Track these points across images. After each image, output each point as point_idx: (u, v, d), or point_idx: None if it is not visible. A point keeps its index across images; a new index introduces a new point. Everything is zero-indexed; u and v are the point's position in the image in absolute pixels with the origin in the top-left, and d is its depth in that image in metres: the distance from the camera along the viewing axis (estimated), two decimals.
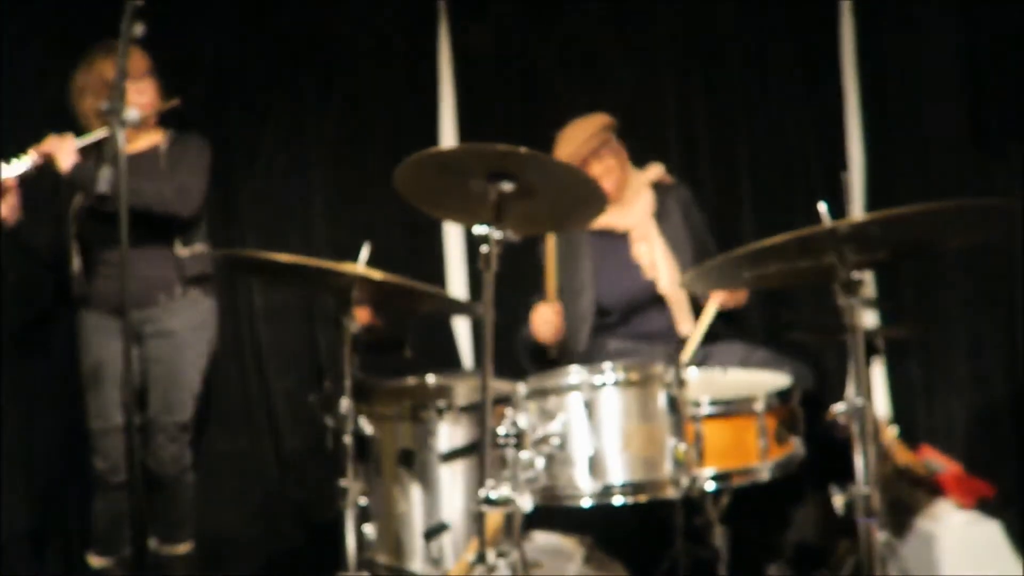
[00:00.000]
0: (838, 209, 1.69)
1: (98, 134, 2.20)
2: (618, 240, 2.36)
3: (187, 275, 2.28)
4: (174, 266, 2.27)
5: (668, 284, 2.29)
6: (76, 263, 2.28)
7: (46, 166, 2.15)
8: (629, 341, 2.32)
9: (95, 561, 2.32)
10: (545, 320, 2.24)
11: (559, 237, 2.33)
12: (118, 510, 2.27)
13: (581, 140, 2.31)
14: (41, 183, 2.31)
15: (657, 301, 2.31)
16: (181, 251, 2.28)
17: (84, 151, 2.18)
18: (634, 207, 2.36)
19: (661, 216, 2.36)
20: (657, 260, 2.31)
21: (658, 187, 2.41)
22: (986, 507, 2.37)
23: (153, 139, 2.34)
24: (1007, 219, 1.61)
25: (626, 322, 2.34)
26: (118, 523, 2.28)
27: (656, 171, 2.43)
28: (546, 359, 2.27)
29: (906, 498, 2.28)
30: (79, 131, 2.23)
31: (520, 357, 2.41)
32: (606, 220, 2.31)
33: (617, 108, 2.90)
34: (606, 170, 2.32)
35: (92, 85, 2.24)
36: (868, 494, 1.55)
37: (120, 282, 1.68)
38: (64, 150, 2.12)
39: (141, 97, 2.23)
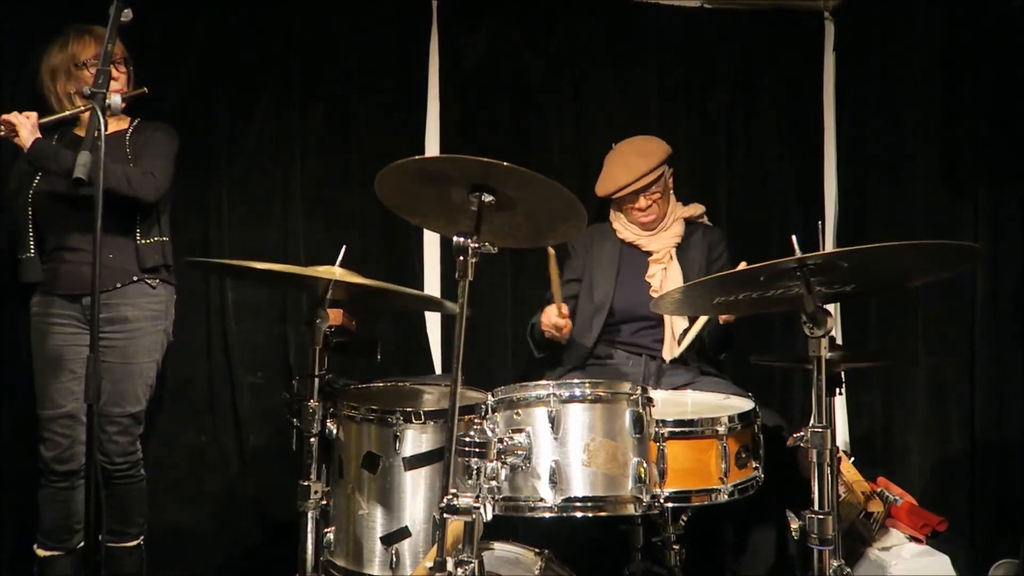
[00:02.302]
0: (813, 243, 1.74)
1: (63, 114, 2.18)
2: (640, 256, 2.50)
3: (145, 266, 2.26)
4: (133, 255, 2.25)
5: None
6: (31, 247, 2.23)
7: (4, 140, 2.12)
8: (615, 348, 2.44)
9: (41, 552, 2.27)
10: (551, 320, 2.29)
11: (595, 235, 2.50)
12: (63, 500, 2.23)
13: (640, 172, 2.38)
14: None
15: (654, 320, 2.41)
16: (140, 241, 2.25)
17: (46, 130, 2.15)
18: (662, 235, 2.49)
19: (683, 248, 2.49)
20: (667, 284, 2.42)
21: (690, 222, 2.53)
22: (937, 540, 2.42)
23: (120, 125, 2.33)
24: (969, 260, 1.66)
25: (619, 329, 2.45)
26: (64, 514, 2.24)
27: (694, 210, 2.55)
28: (553, 348, 2.38)
29: (860, 527, 2.32)
30: (44, 109, 2.20)
31: (530, 343, 2.50)
32: (635, 237, 2.49)
33: (602, 126, 2.97)
34: (652, 203, 2.44)
35: (64, 66, 2.22)
36: (823, 521, 1.58)
37: (92, 266, 1.64)
38: (26, 125, 2.09)
39: (114, 83, 2.21)
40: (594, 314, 2.44)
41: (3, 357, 2.57)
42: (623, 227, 2.51)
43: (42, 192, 2.22)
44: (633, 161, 2.41)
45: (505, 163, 1.46)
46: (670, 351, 2.39)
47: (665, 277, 2.44)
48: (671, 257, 2.46)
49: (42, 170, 2.17)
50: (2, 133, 2.10)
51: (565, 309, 2.29)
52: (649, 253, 2.47)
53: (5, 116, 2.10)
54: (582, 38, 2.99)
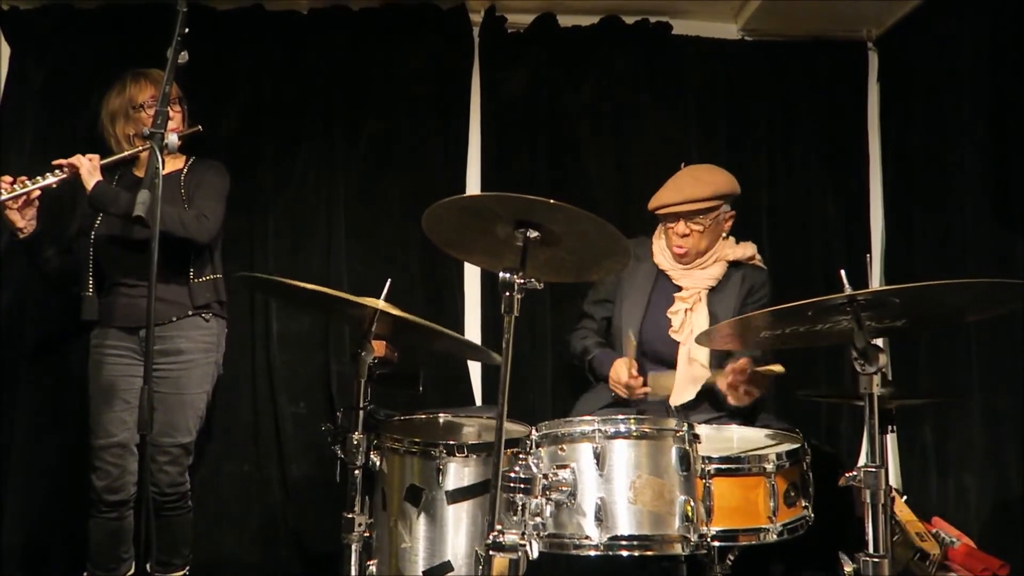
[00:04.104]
0: (858, 275, 1.72)
1: (123, 154, 2.28)
2: (669, 288, 2.38)
3: (197, 303, 2.31)
4: (187, 294, 2.31)
5: (687, 351, 2.28)
6: (90, 286, 2.30)
7: (68, 183, 2.20)
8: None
9: None
10: (619, 376, 2.23)
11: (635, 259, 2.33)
12: (113, 529, 2.27)
13: (687, 196, 2.27)
14: (55, 205, 2.38)
15: (670, 361, 2.31)
16: (194, 280, 2.31)
17: (106, 171, 2.23)
18: (697, 274, 2.36)
19: (717, 289, 2.35)
20: (688, 326, 2.30)
21: (737, 264, 2.39)
22: None
23: (176, 164, 2.40)
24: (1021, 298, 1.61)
25: (640, 365, 2.32)
26: (113, 542, 2.27)
27: (744, 250, 2.41)
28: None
29: (915, 569, 2.24)
30: (104, 152, 2.29)
31: (590, 377, 2.43)
32: (669, 268, 2.38)
33: (640, 159, 2.98)
34: (690, 233, 2.31)
35: (122, 109, 2.32)
36: (878, 564, 1.54)
37: (147, 300, 1.70)
38: (90, 168, 2.18)
39: (170, 122, 2.28)
40: (621, 334, 2.35)
41: (59, 389, 2.65)
42: (660, 251, 2.41)
43: (103, 235, 2.30)
44: (686, 184, 2.31)
45: (551, 200, 1.47)
46: (679, 396, 2.25)
47: (687, 319, 2.31)
48: (700, 299, 2.32)
49: (102, 211, 2.25)
50: (66, 175, 2.18)
51: (635, 368, 2.21)
52: (678, 288, 2.37)
53: (70, 159, 2.19)
54: (619, 71, 3.02)
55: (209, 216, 2.29)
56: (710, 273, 2.35)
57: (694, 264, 2.36)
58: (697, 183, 2.31)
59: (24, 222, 2.21)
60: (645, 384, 2.24)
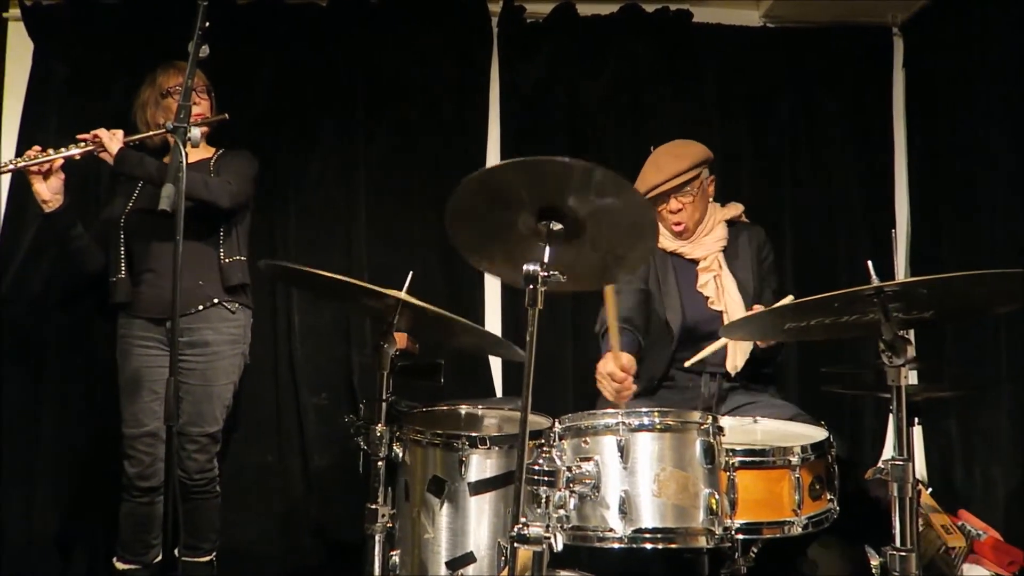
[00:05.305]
0: (884, 265, 1.69)
1: (148, 134, 2.33)
2: (687, 265, 2.38)
3: (228, 284, 2.33)
4: (217, 275, 2.32)
5: (728, 320, 2.26)
6: (122, 269, 2.34)
7: (94, 159, 2.24)
8: (675, 368, 2.31)
9: (120, 565, 2.35)
10: (607, 374, 2.02)
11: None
12: (144, 515, 2.31)
13: (670, 173, 2.30)
14: (82, 179, 2.41)
15: (714, 334, 2.26)
16: (224, 260, 2.33)
17: (132, 148, 2.26)
18: (705, 240, 2.38)
19: (730, 252, 2.37)
20: (724, 293, 2.31)
21: (732, 224, 2.41)
22: None
23: (204, 154, 2.44)
24: None
25: (682, 346, 2.31)
26: (143, 528, 2.32)
27: (734, 210, 2.43)
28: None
29: (941, 562, 2.22)
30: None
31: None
32: (676, 246, 2.37)
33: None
34: (683, 207, 2.33)
35: (152, 97, 2.38)
36: (905, 558, 1.52)
37: (172, 291, 1.72)
38: (113, 140, 2.21)
39: (196, 108, 2.33)
40: (663, 337, 2.32)
41: (87, 376, 2.69)
42: (662, 235, 2.39)
43: (134, 216, 2.34)
44: (664, 162, 2.32)
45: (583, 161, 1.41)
46: (732, 363, 2.25)
47: (719, 286, 2.31)
48: (720, 264, 2.34)
49: (128, 176, 2.28)
50: (91, 148, 2.22)
51: (626, 359, 2.01)
52: (695, 261, 2.37)
53: (94, 132, 2.22)
54: (639, 61, 2.99)
55: (233, 182, 2.31)
56: (715, 236, 2.38)
57: (696, 234, 2.38)
58: (675, 158, 2.33)
59: (50, 195, 2.24)
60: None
